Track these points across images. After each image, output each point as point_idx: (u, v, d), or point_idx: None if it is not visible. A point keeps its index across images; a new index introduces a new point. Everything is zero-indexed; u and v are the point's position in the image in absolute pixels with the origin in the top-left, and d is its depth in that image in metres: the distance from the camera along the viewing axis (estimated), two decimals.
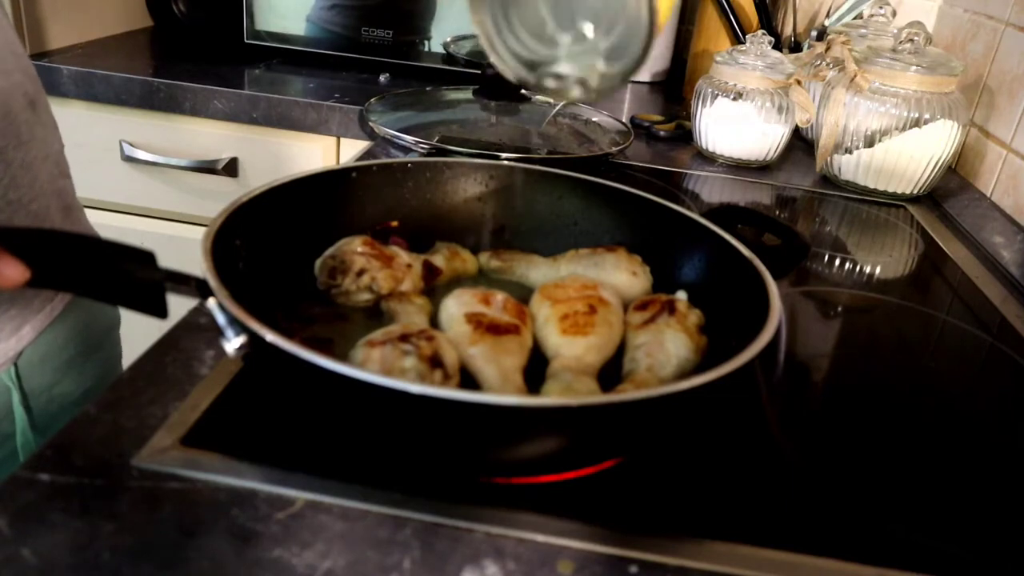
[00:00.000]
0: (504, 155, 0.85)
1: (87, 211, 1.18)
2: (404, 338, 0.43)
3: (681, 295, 0.53)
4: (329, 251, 0.53)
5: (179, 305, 0.42)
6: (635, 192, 0.59)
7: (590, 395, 0.44)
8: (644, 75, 1.43)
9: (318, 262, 0.53)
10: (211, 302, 0.39)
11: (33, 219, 0.63)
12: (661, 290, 0.55)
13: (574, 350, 0.48)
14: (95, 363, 0.74)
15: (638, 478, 0.44)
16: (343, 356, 0.44)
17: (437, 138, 0.91)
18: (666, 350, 0.47)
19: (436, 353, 0.42)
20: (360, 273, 0.51)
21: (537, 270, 0.58)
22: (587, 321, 0.49)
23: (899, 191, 0.97)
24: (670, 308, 0.50)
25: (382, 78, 1.22)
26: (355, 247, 0.53)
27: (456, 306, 0.50)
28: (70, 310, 0.68)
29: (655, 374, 0.46)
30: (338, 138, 1.10)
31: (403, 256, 0.54)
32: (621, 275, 0.56)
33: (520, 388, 0.45)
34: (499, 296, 0.51)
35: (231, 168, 1.13)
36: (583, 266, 0.57)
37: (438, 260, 0.56)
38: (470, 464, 0.42)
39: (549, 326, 0.49)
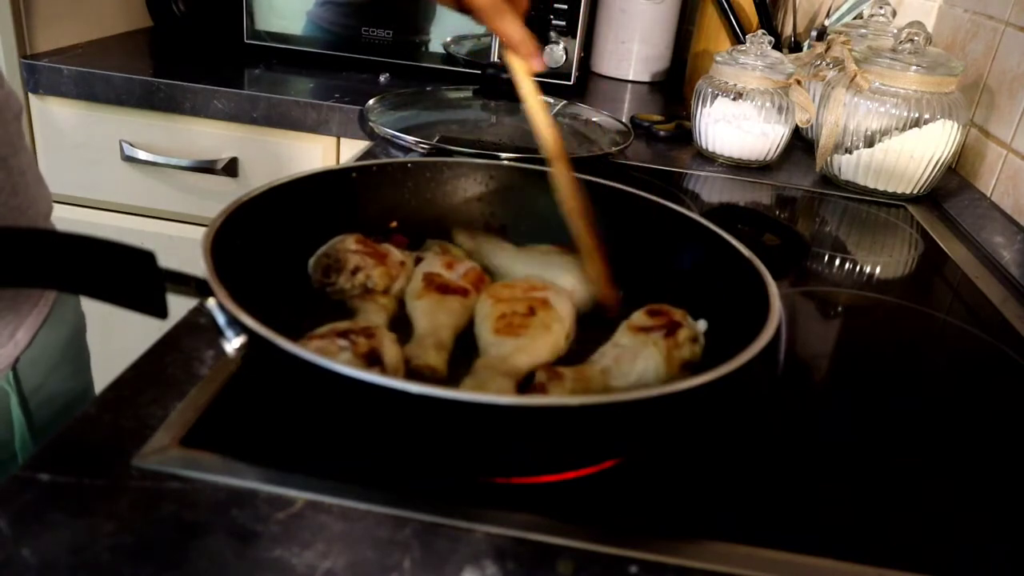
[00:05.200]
0: (504, 155, 0.85)
1: (87, 211, 1.18)
2: (344, 334, 0.43)
3: (700, 325, 0.50)
4: (322, 249, 0.53)
5: (179, 305, 0.42)
6: (634, 192, 0.59)
7: (590, 395, 0.44)
8: (644, 75, 1.43)
9: (312, 260, 0.53)
10: (211, 302, 0.39)
11: (29, 224, 0.63)
12: (660, 291, 0.54)
13: (501, 350, 0.47)
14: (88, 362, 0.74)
15: (638, 478, 0.44)
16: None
17: (437, 138, 0.91)
18: (634, 365, 0.46)
19: (374, 350, 0.43)
20: (355, 271, 0.51)
21: (501, 255, 0.58)
22: (522, 323, 0.48)
23: (899, 191, 0.97)
24: (669, 330, 0.48)
25: (382, 78, 1.22)
26: (349, 245, 0.53)
27: (422, 267, 0.54)
28: (59, 310, 0.68)
29: (606, 378, 0.45)
30: (338, 138, 1.10)
31: (396, 253, 0.54)
32: (569, 278, 0.55)
33: (442, 344, 0.47)
34: (464, 265, 0.54)
35: (231, 168, 1.13)
36: (537, 263, 0.57)
37: (429, 259, 0.56)
38: (470, 464, 0.42)
39: (485, 324, 0.49)
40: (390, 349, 0.44)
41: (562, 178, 0.55)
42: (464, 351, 0.49)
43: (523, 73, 0.55)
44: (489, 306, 0.50)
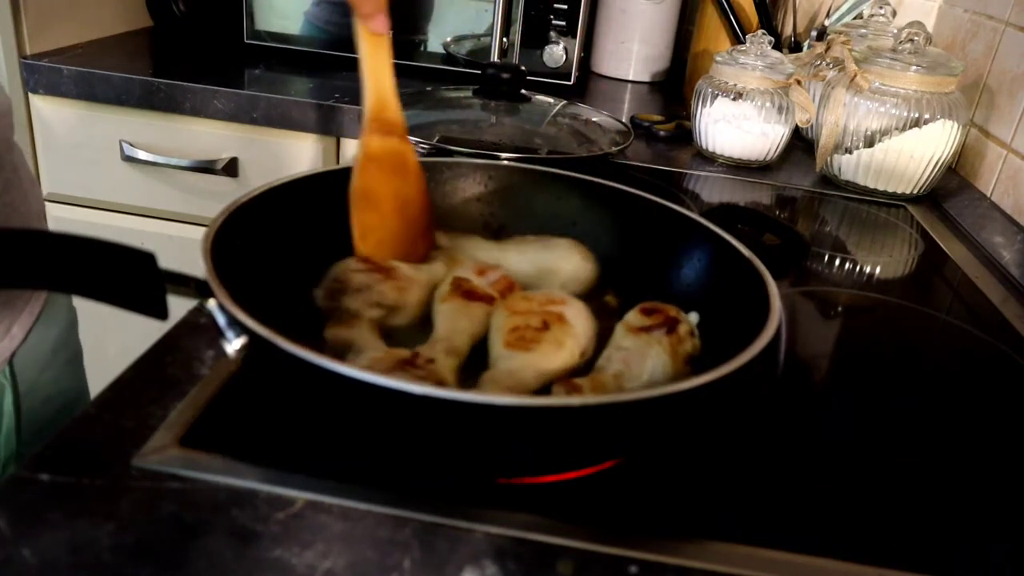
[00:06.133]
0: (504, 155, 0.85)
1: (87, 211, 1.18)
2: (410, 364, 0.42)
3: (692, 317, 0.50)
4: (327, 276, 0.51)
5: (179, 305, 0.42)
6: (634, 192, 0.59)
7: (590, 395, 0.44)
8: (644, 75, 1.43)
9: (319, 291, 0.51)
10: (211, 303, 0.39)
11: (23, 221, 0.63)
12: (661, 291, 0.54)
13: (509, 364, 0.46)
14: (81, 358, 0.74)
15: (638, 478, 0.44)
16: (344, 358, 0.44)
17: (437, 138, 0.91)
18: (644, 366, 0.46)
19: (440, 378, 0.43)
20: (361, 289, 0.49)
21: (483, 251, 0.58)
22: (534, 337, 0.46)
23: (899, 191, 0.97)
24: (670, 327, 0.48)
25: None
26: (350, 265, 0.51)
27: (455, 271, 0.53)
28: (52, 306, 0.68)
29: (620, 382, 0.45)
30: (338, 138, 1.10)
31: (404, 267, 0.53)
32: (574, 256, 0.56)
33: (454, 349, 0.46)
34: (496, 272, 0.53)
35: (231, 168, 1.13)
36: (533, 249, 0.57)
37: (437, 268, 0.55)
38: (470, 464, 0.42)
39: (497, 336, 0.48)
40: (445, 370, 0.44)
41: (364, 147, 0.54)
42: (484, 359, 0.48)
43: (363, 34, 0.52)
44: (503, 318, 0.48)
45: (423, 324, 0.51)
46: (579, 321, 0.49)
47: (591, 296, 0.55)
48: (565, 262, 0.56)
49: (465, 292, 0.50)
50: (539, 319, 0.47)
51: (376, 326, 0.49)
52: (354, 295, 0.49)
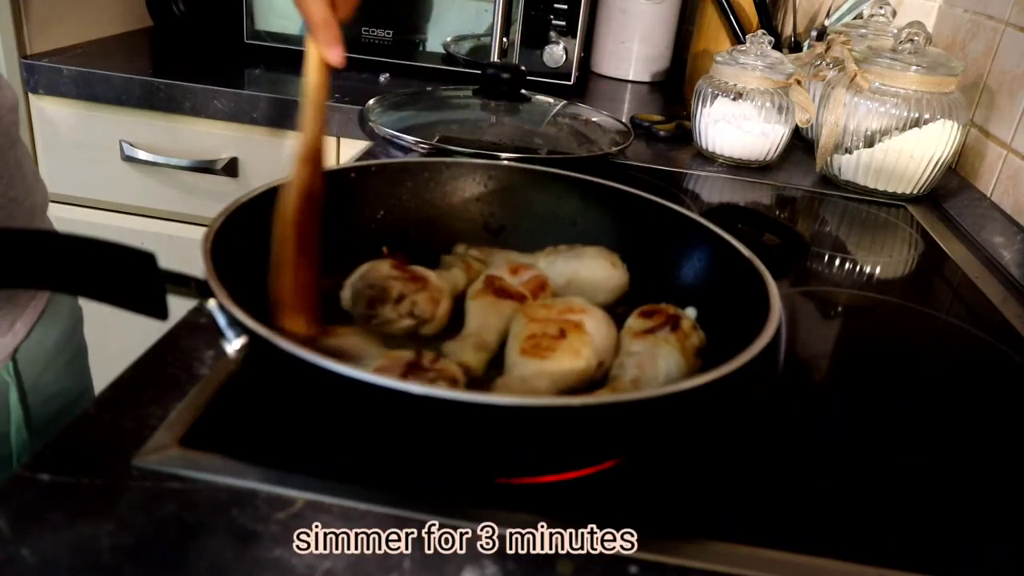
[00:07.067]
0: (504, 155, 0.85)
1: (87, 211, 1.19)
2: (418, 367, 0.42)
3: (690, 312, 0.51)
4: (357, 278, 0.50)
5: (179, 305, 0.42)
6: (634, 192, 0.59)
7: (591, 396, 0.44)
8: (644, 75, 1.43)
9: (347, 293, 0.50)
10: (211, 303, 0.39)
11: (27, 216, 0.64)
12: (661, 291, 0.55)
13: (523, 371, 0.45)
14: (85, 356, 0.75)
15: (638, 478, 0.44)
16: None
17: (437, 138, 0.91)
18: (657, 366, 0.46)
19: (452, 375, 0.43)
20: (399, 299, 0.49)
21: (513, 262, 0.57)
22: (550, 345, 0.46)
23: (899, 191, 0.97)
24: (674, 324, 0.48)
25: (382, 78, 1.22)
26: (386, 271, 0.50)
27: (489, 269, 0.55)
28: (56, 303, 0.68)
29: (638, 387, 0.45)
30: (338, 138, 1.10)
31: (434, 277, 0.52)
32: (603, 264, 0.56)
33: (482, 344, 0.47)
34: (529, 272, 0.53)
35: (231, 168, 1.13)
36: (562, 259, 0.56)
37: (457, 276, 0.55)
38: (471, 464, 0.42)
39: (514, 344, 0.47)
40: (452, 365, 0.44)
41: (297, 183, 0.48)
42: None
43: (315, 61, 0.50)
44: (521, 325, 0.48)
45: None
46: (598, 330, 0.48)
47: (626, 303, 0.55)
48: (594, 270, 0.56)
49: (496, 290, 0.51)
50: (556, 327, 0.47)
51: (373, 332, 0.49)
52: (392, 306, 0.49)
